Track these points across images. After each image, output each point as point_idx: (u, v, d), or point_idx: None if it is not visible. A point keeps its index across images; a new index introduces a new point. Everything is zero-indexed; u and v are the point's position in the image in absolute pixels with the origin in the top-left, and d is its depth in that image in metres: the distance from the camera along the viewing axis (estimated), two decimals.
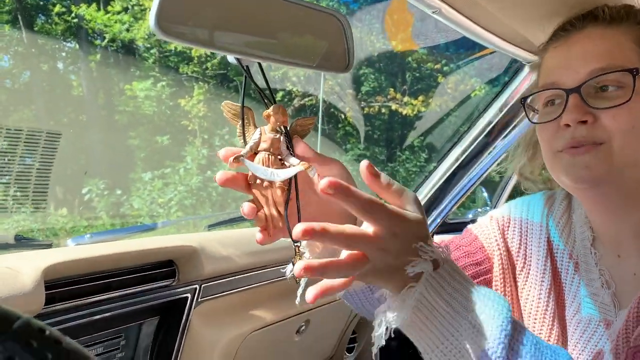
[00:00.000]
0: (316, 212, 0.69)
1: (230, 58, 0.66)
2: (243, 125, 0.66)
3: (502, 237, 0.98)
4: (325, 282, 0.60)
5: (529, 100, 0.90)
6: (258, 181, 0.64)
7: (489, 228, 1.00)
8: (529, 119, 0.90)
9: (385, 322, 0.59)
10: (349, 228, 0.56)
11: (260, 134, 0.65)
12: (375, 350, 0.61)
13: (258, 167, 0.63)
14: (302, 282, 0.71)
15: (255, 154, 0.65)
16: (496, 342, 0.57)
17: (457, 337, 0.58)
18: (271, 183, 0.64)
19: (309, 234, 0.53)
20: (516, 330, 0.59)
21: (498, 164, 1.81)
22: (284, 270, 0.72)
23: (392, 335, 0.61)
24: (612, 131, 0.76)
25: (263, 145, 0.65)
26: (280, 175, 0.63)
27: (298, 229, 0.53)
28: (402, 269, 0.58)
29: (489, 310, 0.59)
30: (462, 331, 0.58)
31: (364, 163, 0.59)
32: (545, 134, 0.85)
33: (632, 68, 0.76)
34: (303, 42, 0.71)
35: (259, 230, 0.66)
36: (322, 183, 0.53)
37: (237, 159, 0.63)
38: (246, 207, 0.64)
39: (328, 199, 0.54)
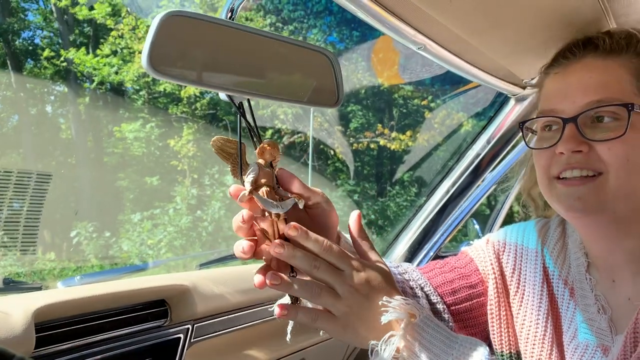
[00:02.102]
0: None
1: (222, 95, 0.68)
2: (240, 161, 0.68)
3: (497, 260, 0.99)
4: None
5: (527, 123, 0.92)
6: (266, 214, 0.66)
7: (485, 251, 1.01)
8: (526, 143, 0.92)
9: None
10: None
11: (259, 168, 0.67)
12: None
13: (267, 201, 0.66)
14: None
15: (255, 188, 0.67)
16: None
17: None
18: (277, 215, 0.66)
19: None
20: None
21: (493, 193, 1.82)
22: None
23: None
24: (607, 162, 0.79)
25: (262, 180, 0.67)
26: (285, 206, 0.66)
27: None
28: (378, 316, 0.64)
29: (467, 350, 0.63)
30: None
31: (355, 212, 0.75)
32: (541, 160, 0.87)
33: (627, 103, 0.78)
34: (293, 79, 0.72)
35: (258, 272, 0.67)
36: (286, 227, 0.65)
37: (250, 193, 0.65)
38: (246, 246, 0.66)
39: (293, 239, 0.66)
